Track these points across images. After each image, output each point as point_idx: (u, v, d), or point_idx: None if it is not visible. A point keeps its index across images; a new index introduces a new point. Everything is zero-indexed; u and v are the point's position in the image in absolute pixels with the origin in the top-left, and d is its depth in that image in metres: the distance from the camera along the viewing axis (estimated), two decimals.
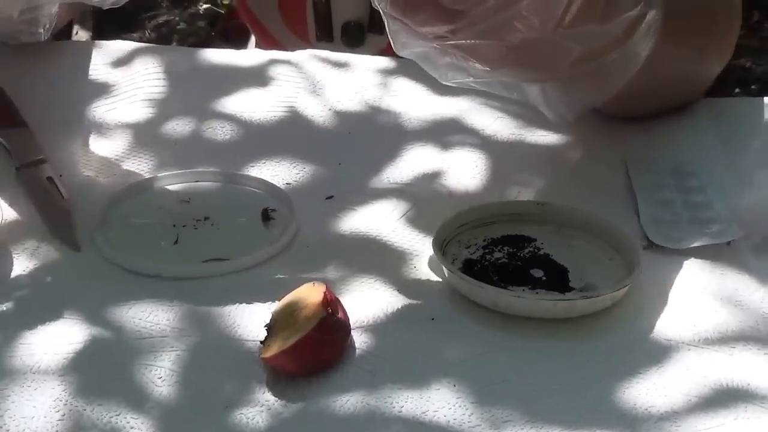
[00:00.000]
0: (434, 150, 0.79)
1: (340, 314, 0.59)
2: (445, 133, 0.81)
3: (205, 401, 0.56)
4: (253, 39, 1.21)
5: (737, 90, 2.67)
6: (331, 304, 0.59)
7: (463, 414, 0.55)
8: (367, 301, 0.63)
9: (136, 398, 0.56)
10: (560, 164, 0.78)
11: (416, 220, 0.71)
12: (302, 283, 0.62)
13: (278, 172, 0.76)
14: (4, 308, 0.63)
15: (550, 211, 0.69)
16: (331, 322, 0.58)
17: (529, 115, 0.82)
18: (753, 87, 2.82)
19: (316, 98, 0.85)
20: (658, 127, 0.82)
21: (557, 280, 0.64)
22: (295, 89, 0.87)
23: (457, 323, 0.62)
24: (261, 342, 0.58)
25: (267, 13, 1.11)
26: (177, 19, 2.46)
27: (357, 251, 0.68)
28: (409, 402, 0.56)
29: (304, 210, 0.71)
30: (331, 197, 0.73)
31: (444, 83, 0.70)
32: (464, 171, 0.76)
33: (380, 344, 0.60)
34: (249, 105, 0.85)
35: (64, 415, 0.54)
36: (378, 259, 0.67)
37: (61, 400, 0.55)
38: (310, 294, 0.60)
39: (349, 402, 0.56)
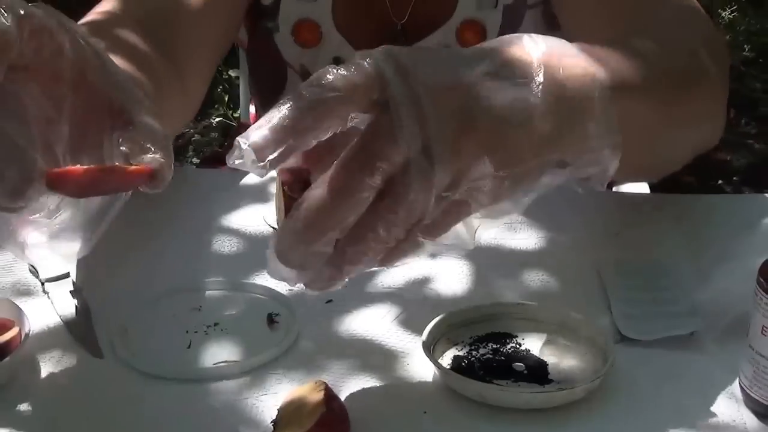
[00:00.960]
0: (423, 258, 0.83)
1: (339, 410, 0.63)
2: None
3: None
4: None
5: (720, 181, 2.73)
6: (330, 401, 0.62)
7: None
8: (364, 397, 0.66)
9: None
10: (538, 267, 0.81)
11: (408, 321, 0.74)
12: (305, 381, 0.66)
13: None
14: (32, 413, 0.65)
15: (530, 310, 0.73)
16: (330, 418, 0.61)
17: (508, 222, 0.86)
18: (735, 178, 2.89)
19: None
20: (628, 232, 0.86)
21: (537, 372, 0.67)
22: None
23: (447, 416, 0.65)
24: None
25: None
26: (192, 131, 2.53)
27: (354, 351, 0.71)
28: None
29: (305, 314, 0.74)
30: (330, 301, 0.76)
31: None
32: (451, 276, 0.79)
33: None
34: (253, 220, 0.89)
35: None
36: (373, 357, 0.70)
37: None
38: (312, 392, 0.62)
39: None
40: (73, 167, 0.58)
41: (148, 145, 0.60)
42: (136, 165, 0.59)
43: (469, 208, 0.61)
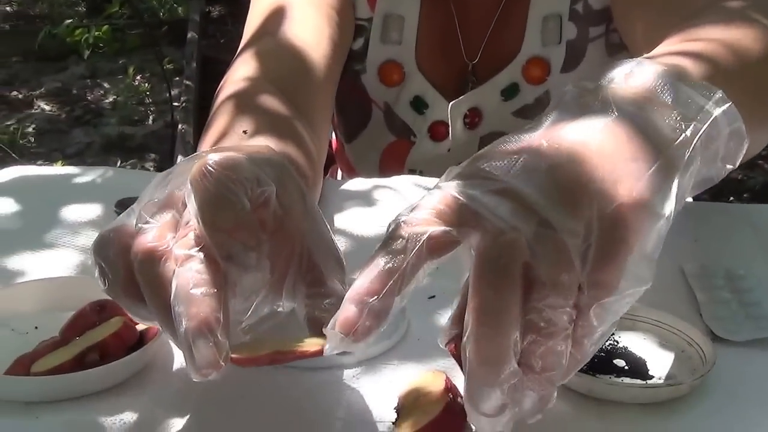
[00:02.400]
0: None
1: (459, 399, 0.63)
2: None
3: None
4: None
5: (731, 198, 2.73)
6: (452, 390, 0.63)
7: None
8: None
9: None
10: None
11: None
12: (418, 372, 0.67)
13: None
14: (167, 400, 0.65)
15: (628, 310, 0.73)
16: (455, 406, 0.61)
17: None
18: (745, 196, 2.88)
19: None
20: (707, 240, 0.86)
21: (638, 369, 0.67)
22: (396, 209, 0.91)
23: (554, 409, 0.65)
24: (393, 423, 0.60)
25: (366, 165, 1.16)
26: None
27: None
28: None
29: (412, 308, 0.74)
30: (432, 297, 0.76)
31: None
32: None
33: None
34: (358, 223, 0.90)
35: None
36: None
37: None
38: (433, 381, 0.62)
39: None
40: (256, 357, 0.57)
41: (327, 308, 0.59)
42: (308, 347, 0.57)
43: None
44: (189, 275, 0.55)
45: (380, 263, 0.53)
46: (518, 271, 0.52)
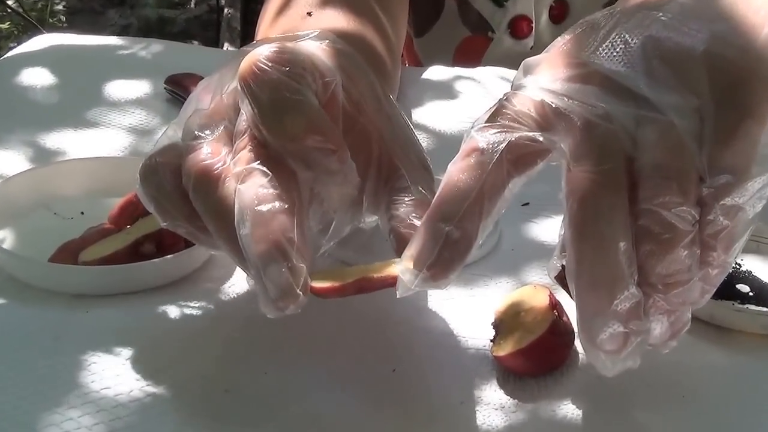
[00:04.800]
0: None
1: (566, 317, 0.61)
2: None
3: (442, 397, 0.56)
4: None
5: None
6: (557, 307, 0.61)
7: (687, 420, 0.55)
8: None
9: (375, 394, 0.56)
10: None
11: None
12: (515, 285, 0.65)
13: None
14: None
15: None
16: (561, 325, 0.59)
17: None
18: None
19: None
20: None
21: (764, 296, 0.64)
22: (480, 103, 0.88)
23: None
24: (491, 340, 0.59)
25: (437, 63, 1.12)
26: None
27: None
28: (636, 407, 0.56)
29: (504, 216, 0.72)
30: (526, 204, 0.74)
31: None
32: None
33: None
34: (439, 118, 0.87)
35: None
36: None
37: None
38: (534, 296, 0.60)
39: (580, 405, 0.56)
40: (341, 285, 0.52)
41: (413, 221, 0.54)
42: (382, 273, 0.52)
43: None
44: (253, 191, 0.50)
45: (454, 180, 0.49)
46: (620, 168, 0.47)
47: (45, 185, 0.72)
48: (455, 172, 0.49)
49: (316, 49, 0.56)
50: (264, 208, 0.50)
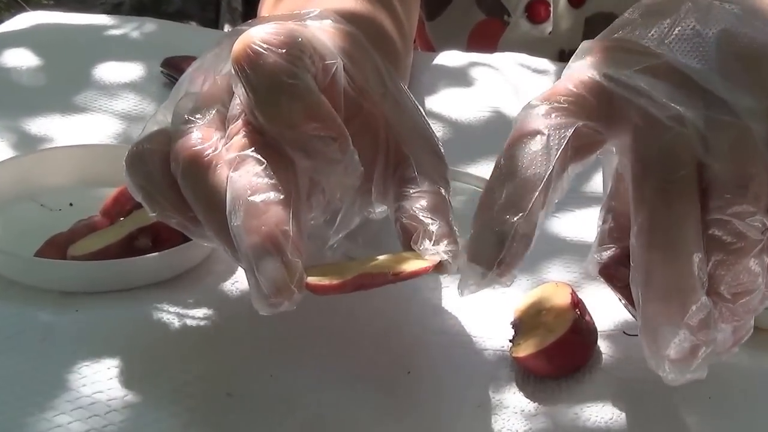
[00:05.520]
0: None
1: (588, 316, 0.60)
2: None
3: (459, 400, 0.55)
4: None
5: None
6: (579, 306, 0.59)
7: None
8: (605, 304, 0.62)
9: (388, 398, 0.55)
10: None
11: None
12: (535, 283, 0.63)
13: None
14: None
15: None
16: (583, 324, 0.57)
17: None
18: None
19: (520, 101, 0.86)
20: None
21: None
22: (498, 91, 0.87)
23: None
24: (510, 340, 0.57)
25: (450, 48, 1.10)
26: None
27: (582, 253, 0.68)
28: (662, 409, 0.55)
29: None
30: None
31: None
32: None
33: (626, 349, 0.59)
34: (454, 105, 0.86)
35: None
36: None
37: None
38: (555, 294, 0.58)
39: (604, 408, 0.54)
40: (339, 282, 0.50)
41: (430, 226, 0.51)
42: (404, 265, 0.51)
43: None
44: (245, 180, 0.49)
45: (517, 167, 0.47)
46: (693, 175, 0.46)
47: (30, 175, 0.70)
48: (517, 156, 0.48)
49: (316, 30, 0.55)
50: (258, 198, 0.48)
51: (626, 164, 0.49)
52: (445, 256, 0.51)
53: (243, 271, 0.61)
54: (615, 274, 0.52)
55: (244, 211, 0.48)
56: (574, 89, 0.49)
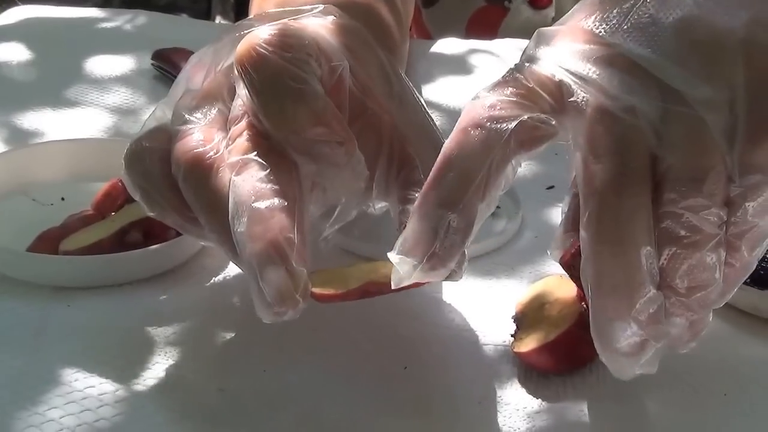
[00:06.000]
0: None
1: None
2: None
3: (459, 396, 0.55)
4: None
5: None
6: (585, 299, 0.59)
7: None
8: None
9: (384, 394, 0.55)
10: None
11: None
12: (539, 275, 0.63)
13: None
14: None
15: None
16: (589, 319, 0.58)
17: None
18: None
19: None
20: None
21: None
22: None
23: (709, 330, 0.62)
24: (511, 335, 0.57)
25: (448, 36, 1.10)
26: None
27: None
28: (672, 406, 0.55)
29: (527, 200, 0.70)
30: (551, 187, 0.73)
31: None
32: None
33: None
34: (452, 94, 0.86)
35: None
36: None
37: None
38: (560, 287, 0.58)
39: (609, 405, 0.54)
40: (339, 293, 0.51)
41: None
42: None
43: None
44: (249, 185, 0.49)
45: (455, 159, 0.47)
46: (645, 167, 0.46)
47: (22, 169, 0.71)
48: (456, 149, 0.47)
49: (321, 28, 0.55)
50: (262, 204, 0.48)
51: (578, 156, 0.48)
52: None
53: (234, 265, 0.61)
54: (573, 263, 0.52)
55: (248, 217, 0.48)
56: (527, 80, 0.48)
